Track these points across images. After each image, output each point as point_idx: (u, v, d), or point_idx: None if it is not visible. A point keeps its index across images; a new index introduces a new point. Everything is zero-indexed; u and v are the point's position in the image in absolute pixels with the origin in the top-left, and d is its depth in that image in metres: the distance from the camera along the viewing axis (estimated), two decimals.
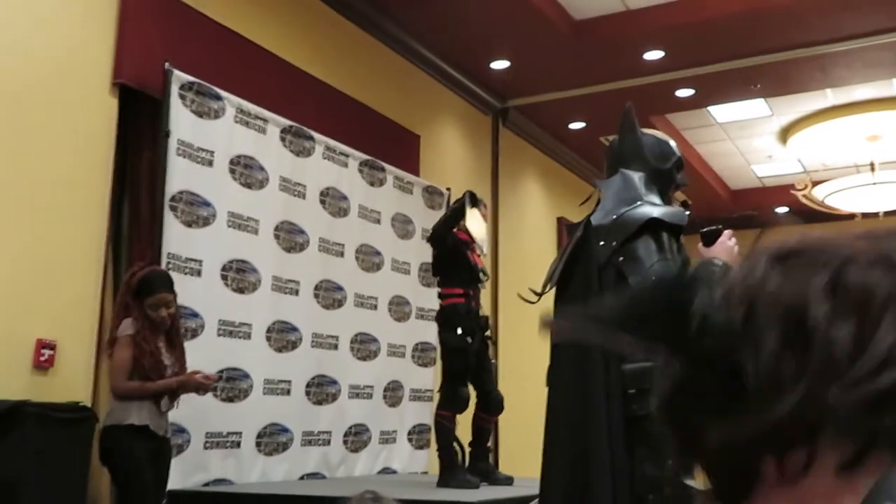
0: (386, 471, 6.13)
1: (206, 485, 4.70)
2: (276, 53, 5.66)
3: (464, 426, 5.12)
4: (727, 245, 2.73)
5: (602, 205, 2.77)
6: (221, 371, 4.83)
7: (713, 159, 10.19)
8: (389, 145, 6.59)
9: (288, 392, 5.36)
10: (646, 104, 7.38)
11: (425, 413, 6.40)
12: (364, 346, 6.03)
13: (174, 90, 4.73)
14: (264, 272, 5.22)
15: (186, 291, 4.39)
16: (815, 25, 6.76)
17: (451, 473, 4.86)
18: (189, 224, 4.75)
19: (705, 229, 2.77)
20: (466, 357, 4.94)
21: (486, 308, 5.82)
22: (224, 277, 4.95)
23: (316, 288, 5.66)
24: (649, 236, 2.61)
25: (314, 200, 5.73)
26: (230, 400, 4.92)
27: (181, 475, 4.41)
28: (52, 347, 4.14)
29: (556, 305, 2.82)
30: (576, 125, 8.88)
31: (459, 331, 4.94)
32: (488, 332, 5.21)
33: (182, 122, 4.76)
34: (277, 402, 5.25)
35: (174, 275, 4.23)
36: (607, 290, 2.62)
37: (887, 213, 9.51)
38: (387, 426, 6.18)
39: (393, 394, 6.26)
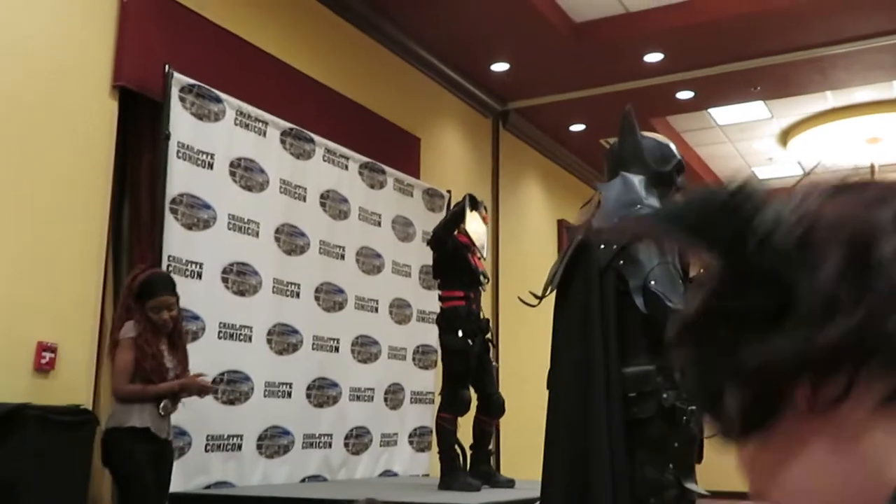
0: (387, 473, 6.13)
1: (208, 487, 4.70)
2: (276, 56, 5.66)
3: (465, 429, 5.12)
4: None
5: (602, 208, 2.77)
6: (222, 374, 4.84)
7: (713, 162, 10.19)
8: (390, 148, 6.60)
9: (289, 395, 5.36)
10: (646, 106, 7.39)
11: (426, 415, 6.40)
12: (365, 349, 6.03)
13: (174, 92, 4.73)
14: (265, 275, 5.22)
15: (187, 294, 4.39)
16: (815, 28, 6.76)
17: (452, 476, 4.86)
18: (189, 226, 4.75)
19: None
20: (467, 359, 4.94)
21: (486, 311, 5.82)
22: (225, 280, 4.95)
23: (317, 290, 5.66)
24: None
25: (315, 203, 5.73)
26: (231, 402, 4.92)
27: (182, 478, 4.40)
28: (53, 350, 4.14)
29: (556, 309, 2.82)
30: (576, 127, 8.89)
31: (460, 333, 4.94)
32: (489, 335, 5.21)
33: (182, 124, 4.76)
34: (278, 405, 5.25)
35: (175, 277, 4.23)
36: (607, 294, 2.62)
37: None
38: (388, 429, 6.18)
39: (394, 396, 6.26)
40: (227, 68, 5.25)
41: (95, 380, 4.39)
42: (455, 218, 5.15)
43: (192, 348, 4.19)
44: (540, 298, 2.82)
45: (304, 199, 5.64)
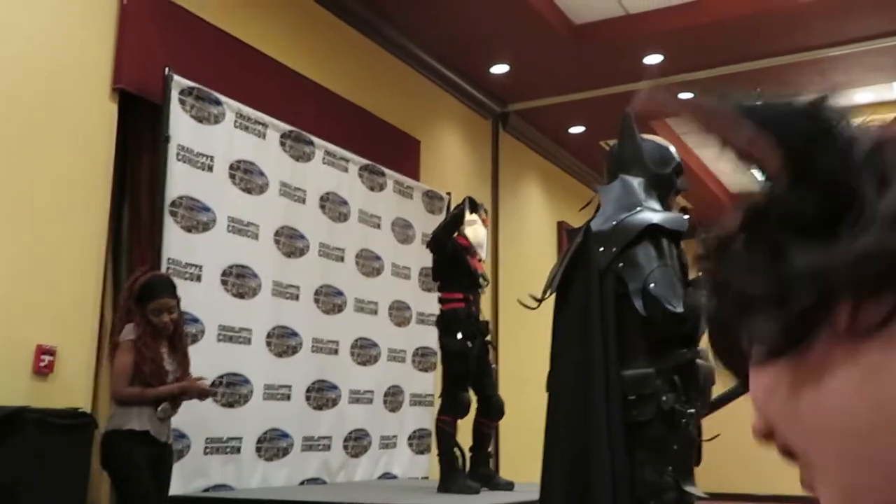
0: (386, 476, 6.12)
1: (207, 490, 4.69)
2: (275, 58, 5.66)
3: (464, 431, 5.11)
4: None
5: (602, 210, 2.77)
6: (221, 376, 4.84)
7: (713, 164, 10.19)
8: (389, 150, 6.60)
9: (288, 397, 5.36)
10: (645, 108, 7.38)
11: (426, 418, 6.40)
12: (364, 351, 6.03)
13: (174, 95, 4.73)
14: (264, 277, 5.21)
15: (186, 296, 4.37)
16: (815, 29, 6.76)
17: (451, 478, 4.86)
18: (189, 229, 4.75)
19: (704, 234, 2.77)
20: (467, 361, 4.94)
21: (486, 313, 5.82)
22: (224, 282, 4.94)
23: (316, 293, 5.65)
24: (649, 242, 2.61)
25: (314, 205, 5.73)
26: (230, 405, 4.92)
27: (182, 481, 4.40)
28: (52, 353, 4.14)
29: (555, 311, 2.81)
30: (576, 129, 8.89)
31: (459, 335, 4.94)
32: (489, 337, 5.21)
33: (182, 126, 4.76)
34: (278, 408, 5.25)
35: (174, 280, 4.22)
36: (607, 297, 2.62)
37: None
38: (387, 431, 6.17)
39: (393, 399, 6.26)
40: (226, 71, 5.25)
41: (94, 382, 4.38)
42: (454, 220, 5.15)
43: (191, 351, 4.18)
44: (539, 301, 2.82)
45: (304, 202, 5.64)
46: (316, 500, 4.66)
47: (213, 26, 5.22)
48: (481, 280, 5.12)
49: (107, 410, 3.97)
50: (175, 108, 4.73)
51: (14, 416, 3.70)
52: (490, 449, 5.40)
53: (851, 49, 7.04)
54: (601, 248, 2.66)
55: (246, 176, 5.18)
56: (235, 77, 5.29)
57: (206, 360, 4.43)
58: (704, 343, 2.69)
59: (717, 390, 2.77)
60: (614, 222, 2.67)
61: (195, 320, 4.66)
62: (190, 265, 4.72)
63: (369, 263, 6.17)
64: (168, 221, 4.62)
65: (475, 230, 5.21)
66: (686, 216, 2.81)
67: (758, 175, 0.54)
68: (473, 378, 5.02)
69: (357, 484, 5.75)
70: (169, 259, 4.58)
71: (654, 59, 7.31)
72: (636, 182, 2.77)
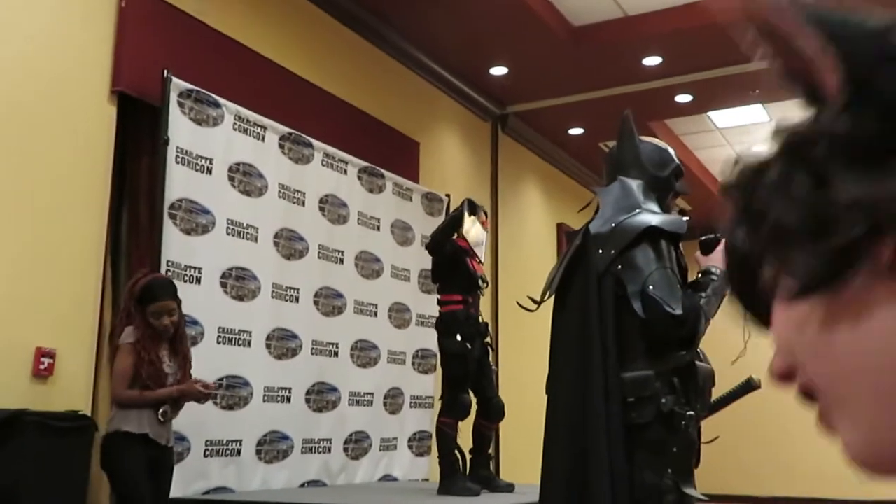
0: (386, 478, 6.12)
1: (207, 493, 4.69)
2: (274, 60, 5.66)
3: (465, 433, 5.11)
4: None
5: (601, 212, 2.77)
6: (221, 379, 4.83)
7: (713, 165, 10.19)
8: (388, 152, 6.60)
9: (288, 399, 5.35)
10: (645, 110, 7.39)
11: (426, 420, 6.40)
12: (364, 353, 6.03)
13: (173, 98, 4.73)
14: (264, 279, 5.21)
15: (186, 299, 4.36)
16: None
17: (451, 481, 4.85)
18: (188, 231, 4.75)
19: (704, 237, 2.78)
20: (466, 363, 4.94)
21: (486, 315, 5.82)
22: (224, 285, 4.94)
23: (316, 295, 5.65)
24: (648, 244, 2.61)
25: (313, 207, 5.73)
26: (230, 408, 4.92)
27: (181, 483, 4.40)
28: (52, 356, 4.14)
29: (554, 313, 2.82)
30: (575, 131, 8.89)
31: (458, 337, 4.94)
32: (488, 339, 5.21)
33: (181, 129, 4.76)
34: (277, 410, 5.25)
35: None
36: (606, 299, 2.62)
37: None
38: (387, 433, 6.17)
39: (393, 401, 6.26)
40: (225, 73, 5.25)
41: (94, 385, 4.38)
42: (453, 222, 5.15)
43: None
44: (538, 303, 2.82)
45: (303, 204, 5.64)
46: (316, 503, 4.67)
47: (212, 28, 5.22)
48: (480, 282, 5.12)
49: (107, 413, 3.97)
50: (174, 111, 4.73)
51: (14, 419, 3.70)
52: (490, 451, 5.40)
53: None
54: (600, 250, 2.66)
55: (245, 178, 5.18)
56: (234, 79, 5.29)
57: (205, 363, 4.43)
58: (703, 345, 2.69)
59: (717, 392, 2.78)
60: (613, 224, 2.67)
61: (195, 322, 4.66)
62: (189, 267, 4.72)
63: (369, 265, 6.17)
64: (167, 224, 4.62)
65: (475, 232, 5.21)
66: (685, 218, 2.81)
67: (800, 99, 0.51)
68: (473, 380, 5.02)
69: (357, 486, 5.75)
70: (168, 261, 4.58)
71: (652, 61, 7.32)
72: (635, 184, 2.77)
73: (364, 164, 6.21)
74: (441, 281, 5.13)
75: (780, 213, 0.49)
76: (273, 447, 5.21)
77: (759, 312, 0.54)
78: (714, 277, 2.68)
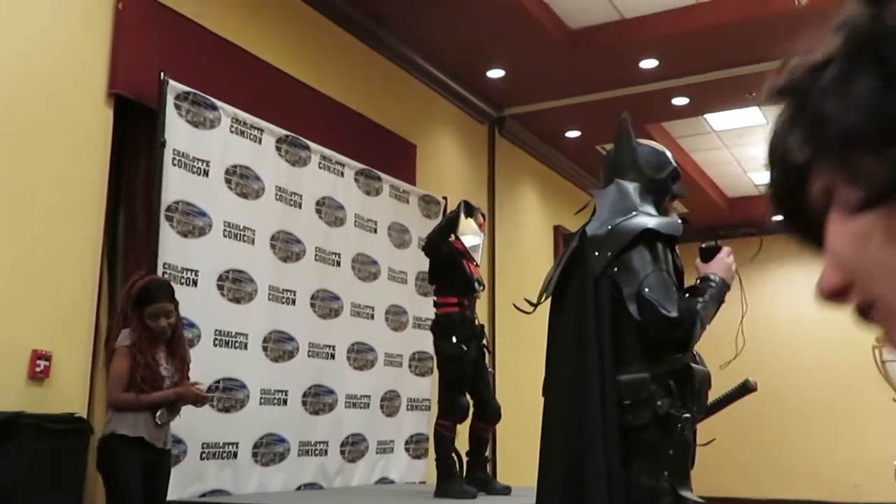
0: (383, 481, 6.12)
1: (203, 495, 4.68)
2: (271, 63, 5.66)
3: (461, 436, 5.11)
4: (725, 262, 2.74)
5: (597, 215, 2.77)
6: (218, 381, 4.83)
7: (710, 167, 10.21)
8: (386, 154, 6.60)
9: (285, 402, 5.35)
10: (641, 113, 7.40)
11: (422, 422, 6.40)
12: (361, 356, 6.03)
13: (170, 100, 4.73)
14: (260, 282, 5.21)
15: (182, 301, 4.36)
16: (811, 33, 6.77)
17: (448, 483, 4.85)
18: (185, 234, 4.75)
19: (704, 245, 2.78)
20: (462, 365, 4.93)
21: (483, 317, 5.81)
22: (220, 287, 4.94)
23: (312, 297, 5.65)
24: (644, 247, 2.61)
25: (310, 210, 5.73)
26: (227, 410, 4.91)
27: (178, 486, 4.39)
28: (48, 358, 4.13)
29: (551, 316, 2.82)
30: (572, 133, 8.90)
31: (454, 339, 4.93)
32: (485, 341, 5.21)
33: (178, 131, 4.76)
34: (274, 412, 5.24)
35: None
36: (602, 301, 2.62)
37: None
38: (384, 436, 6.17)
39: (390, 403, 6.26)
40: (222, 75, 5.25)
41: (90, 388, 4.38)
42: (449, 224, 5.14)
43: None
44: (535, 305, 2.82)
45: (300, 206, 5.64)
46: None
47: (209, 31, 5.22)
48: (476, 285, 5.12)
49: (103, 416, 3.97)
50: (171, 113, 4.73)
51: (10, 422, 3.69)
52: (487, 453, 5.40)
53: None
54: (596, 253, 2.66)
55: (242, 181, 5.18)
56: (231, 82, 5.29)
57: (202, 365, 4.42)
58: (698, 347, 2.70)
59: (713, 395, 2.78)
60: (610, 227, 2.68)
61: (191, 325, 4.65)
62: (186, 270, 4.71)
63: (365, 268, 6.17)
64: (164, 226, 4.61)
65: (471, 234, 5.21)
66: (681, 221, 2.82)
67: None
68: (470, 382, 5.01)
69: (354, 489, 5.75)
70: (165, 264, 4.58)
71: (649, 64, 7.33)
72: (632, 186, 2.77)
73: (361, 166, 6.21)
74: (437, 283, 5.13)
75: (842, 115, 0.45)
76: (270, 450, 5.20)
77: (806, 231, 0.50)
78: (712, 284, 2.68)
